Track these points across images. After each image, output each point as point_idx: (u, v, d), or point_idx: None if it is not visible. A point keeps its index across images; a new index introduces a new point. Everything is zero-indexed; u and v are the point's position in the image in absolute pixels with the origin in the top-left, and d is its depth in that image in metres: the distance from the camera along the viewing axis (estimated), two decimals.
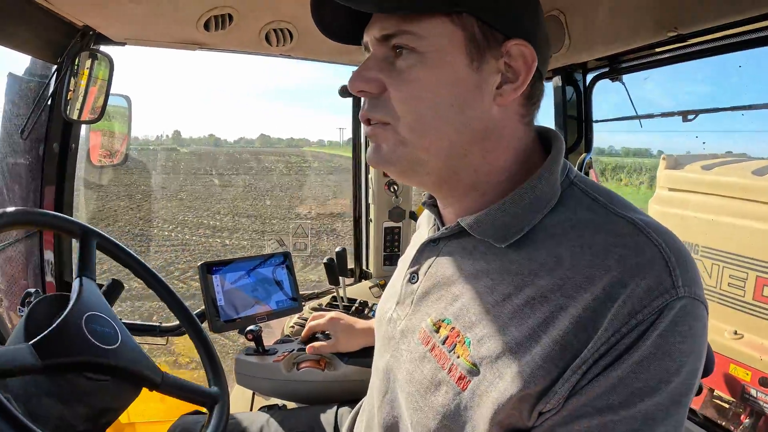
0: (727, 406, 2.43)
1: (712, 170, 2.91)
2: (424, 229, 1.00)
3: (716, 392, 2.45)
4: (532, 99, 0.79)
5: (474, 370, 0.70)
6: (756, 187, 2.58)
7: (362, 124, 0.82)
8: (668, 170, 3.19)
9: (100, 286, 1.17)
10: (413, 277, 0.88)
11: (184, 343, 4.88)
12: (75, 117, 1.60)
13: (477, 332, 0.72)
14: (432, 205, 0.91)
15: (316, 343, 1.47)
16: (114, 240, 1.16)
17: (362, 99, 0.79)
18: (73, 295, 0.95)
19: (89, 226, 1.10)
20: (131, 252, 1.18)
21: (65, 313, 0.90)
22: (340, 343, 1.46)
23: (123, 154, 1.95)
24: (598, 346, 0.61)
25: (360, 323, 1.49)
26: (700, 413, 2.37)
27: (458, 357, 0.72)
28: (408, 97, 0.73)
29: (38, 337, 0.83)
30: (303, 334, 1.54)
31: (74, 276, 1.01)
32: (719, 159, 3.12)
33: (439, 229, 0.89)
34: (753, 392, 2.46)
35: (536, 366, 0.64)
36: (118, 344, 0.92)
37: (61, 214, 1.08)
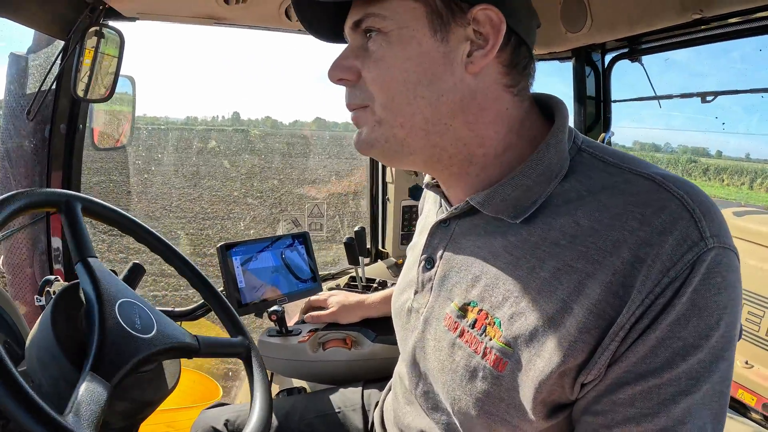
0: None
1: (743, 217, 3.10)
2: (431, 212, 0.98)
3: None
4: (517, 66, 0.75)
5: (509, 350, 0.69)
6: None
7: None
8: None
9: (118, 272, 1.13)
10: (429, 263, 0.86)
11: (198, 328, 4.78)
12: (83, 95, 1.53)
13: (506, 311, 0.70)
14: (435, 185, 0.89)
15: (314, 312, 1.53)
16: (98, 200, 1.05)
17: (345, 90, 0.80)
18: (89, 288, 0.88)
19: (67, 191, 0.99)
20: (121, 211, 1.09)
21: (97, 314, 0.85)
22: (338, 314, 1.51)
23: (127, 136, 1.88)
24: (633, 309, 0.60)
25: (352, 296, 1.54)
26: None
27: (491, 339, 0.71)
28: (378, 77, 0.74)
29: (92, 360, 0.78)
30: (303, 308, 1.58)
31: (74, 261, 0.92)
32: (749, 208, 3.36)
33: (446, 209, 0.86)
34: (755, 414, 2.69)
35: (573, 338, 0.63)
36: (156, 328, 0.89)
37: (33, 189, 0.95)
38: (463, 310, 0.76)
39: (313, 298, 1.58)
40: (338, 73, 0.77)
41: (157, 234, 1.12)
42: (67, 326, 0.85)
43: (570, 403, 0.68)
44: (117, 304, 0.87)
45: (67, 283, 1.04)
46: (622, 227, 0.63)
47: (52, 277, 1.10)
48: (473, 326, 0.74)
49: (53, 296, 0.91)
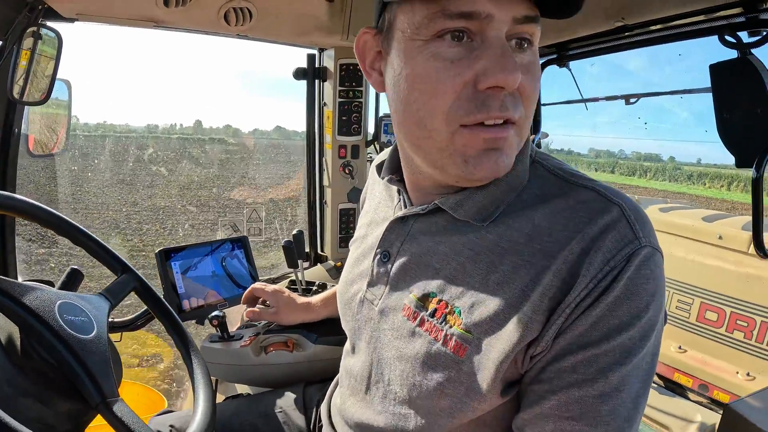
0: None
1: (669, 213, 3.42)
2: (382, 206, 0.99)
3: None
4: None
5: (469, 336, 0.74)
6: (705, 230, 3.08)
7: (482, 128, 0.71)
8: None
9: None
10: (385, 256, 0.89)
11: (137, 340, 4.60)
12: (20, 98, 1.50)
13: (466, 300, 0.75)
14: (398, 180, 0.91)
15: (256, 308, 1.45)
16: (150, 285, 1.10)
17: (494, 96, 0.69)
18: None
19: (131, 266, 1.07)
20: (163, 300, 1.11)
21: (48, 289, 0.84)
22: (281, 315, 1.44)
23: (63, 143, 1.84)
24: (578, 291, 0.67)
25: (300, 299, 1.48)
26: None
27: (451, 327, 0.76)
28: (534, 95, 0.74)
29: None
30: (245, 295, 1.49)
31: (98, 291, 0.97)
32: (673, 204, 3.73)
33: (405, 206, 0.90)
34: (694, 395, 2.94)
35: (528, 319, 0.69)
36: (88, 338, 0.83)
37: (110, 248, 1.07)
38: (423, 301, 0.80)
39: (257, 286, 1.47)
40: (519, 76, 0.68)
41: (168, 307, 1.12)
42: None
43: (520, 379, 0.74)
44: (60, 302, 0.85)
45: None
46: (573, 227, 0.71)
47: None
48: (433, 315, 0.78)
49: None
